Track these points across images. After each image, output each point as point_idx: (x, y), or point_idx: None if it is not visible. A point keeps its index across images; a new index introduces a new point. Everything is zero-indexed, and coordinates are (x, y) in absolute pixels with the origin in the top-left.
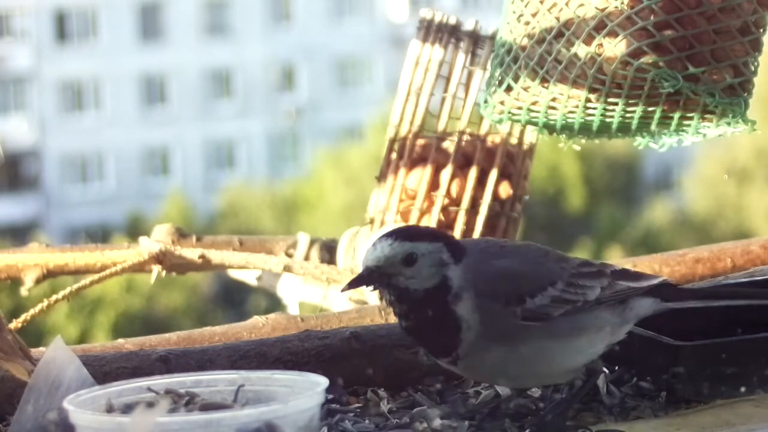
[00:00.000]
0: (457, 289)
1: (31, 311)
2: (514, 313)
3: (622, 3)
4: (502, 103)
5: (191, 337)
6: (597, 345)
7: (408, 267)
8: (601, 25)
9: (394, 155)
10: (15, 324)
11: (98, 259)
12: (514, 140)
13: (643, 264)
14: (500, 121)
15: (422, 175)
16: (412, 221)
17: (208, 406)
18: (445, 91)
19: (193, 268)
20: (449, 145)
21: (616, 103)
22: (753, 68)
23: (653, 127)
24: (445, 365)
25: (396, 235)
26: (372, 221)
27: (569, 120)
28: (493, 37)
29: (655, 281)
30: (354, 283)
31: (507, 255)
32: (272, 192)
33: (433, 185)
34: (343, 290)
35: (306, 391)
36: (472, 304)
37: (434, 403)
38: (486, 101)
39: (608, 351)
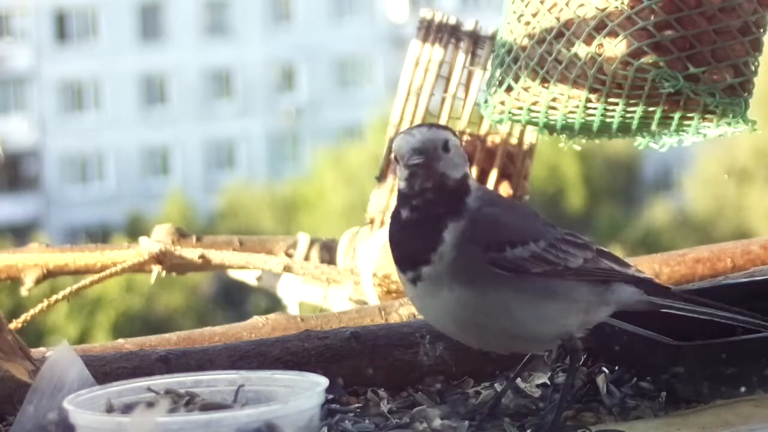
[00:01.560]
0: (464, 216)
1: (31, 311)
2: (492, 259)
3: (623, 3)
4: (502, 103)
5: (191, 337)
6: (569, 317)
7: (446, 153)
8: (602, 26)
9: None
10: (15, 324)
11: (98, 259)
12: (514, 140)
13: (643, 264)
14: (500, 121)
15: None
16: None
17: (208, 406)
18: (445, 91)
19: (193, 268)
20: None
21: (617, 103)
22: (753, 68)
23: (654, 127)
24: (405, 285)
25: (427, 126)
26: (372, 221)
27: (570, 120)
28: (493, 37)
29: (641, 274)
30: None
31: (500, 204)
32: (272, 192)
33: None
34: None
35: (306, 391)
36: (456, 240)
37: (434, 403)
38: (486, 101)
39: (608, 351)
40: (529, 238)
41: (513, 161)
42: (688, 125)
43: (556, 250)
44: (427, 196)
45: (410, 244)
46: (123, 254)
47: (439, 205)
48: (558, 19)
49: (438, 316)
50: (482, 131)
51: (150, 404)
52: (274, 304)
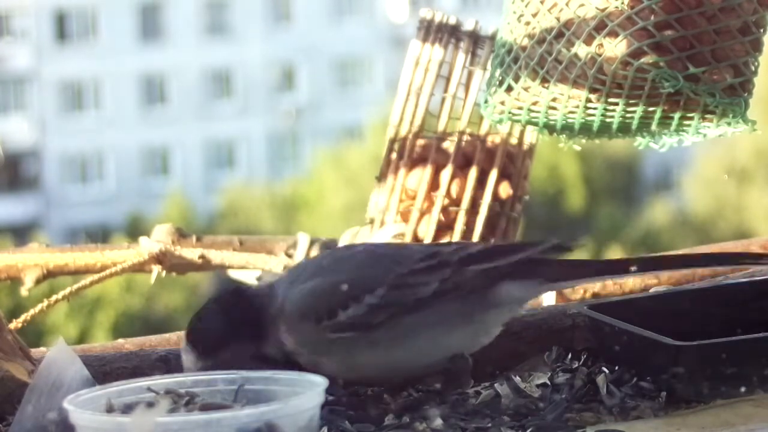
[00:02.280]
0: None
1: (31, 311)
2: (328, 328)
3: (623, 3)
4: (502, 103)
5: None
6: (452, 337)
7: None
8: (602, 26)
9: (394, 155)
10: (15, 324)
11: (98, 259)
12: (514, 140)
13: None
14: (500, 121)
15: (422, 175)
16: (412, 221)
17: (208, 406)
18: (445, 91)
19: (193, 268)
20: (449, 145)
21: (617, 103)
22: (753, 68)
23: (654, 127)
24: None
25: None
26: (372, 221)
27: (570, 120)
28: (493, 37)
29: (525, 253)
30: None
31: (320, 273)
32: (272, 192)
33: (433, 185)
34: None
35: (306, 391)
36: (286, 328)
37: (434, 403)
38: (486, 101)
39: (608, 351)
40: (361, 293)
41: (513, 161)
42: (688, 125)
43: (401, 289)
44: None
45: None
46: (123, 254)
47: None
48: (558, 19)
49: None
50: (482, 131)
51: (150, 404)
52: None
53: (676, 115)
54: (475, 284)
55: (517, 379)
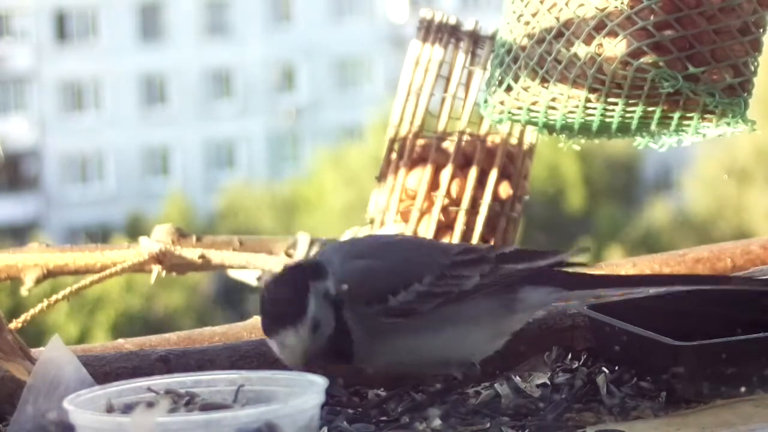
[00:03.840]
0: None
1: (31, 311)
2: (378, 312)
3: (622, 3)
4: (502, 103)
5: (191, 337)
6: (477, 337)
7: (318, 331)
8: (601, 25)
9: (394, 155)
10: (15, 324)
11: (98, 259)
12: (514, 140)
13: (643, 264)
14: (500, 121)
15: (422, 175)
16: (412, 221)
17: (208, 406)
18: (445, 91)
19: (193, 268)
20: (449, 145)
21: (616, 103)
22: (753, 68)
23: (653, 127)
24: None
25: (287, 320)
26: (372, 221)
27: (569, 120)
28: (493, 37)
29: (552, 259)
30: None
31: (372, 253)
32: (272, 192)
33: (433, 185)
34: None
35: (306, 391)
36: (352, 314)
37: (434, 403)
38: (486, 101)
39: (608, 351)
40: (412, 280)
41: (513, 161)
42: (688, 125)
43: (446, 279)
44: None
45: (336, 357)
46: (123, 254)
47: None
48: (557, 18)
49: (373, 367)
50: (482, 131)
51: (150, 404)
52: None
53: (676, 115)
54: (509, 283)
55: (517, 379)
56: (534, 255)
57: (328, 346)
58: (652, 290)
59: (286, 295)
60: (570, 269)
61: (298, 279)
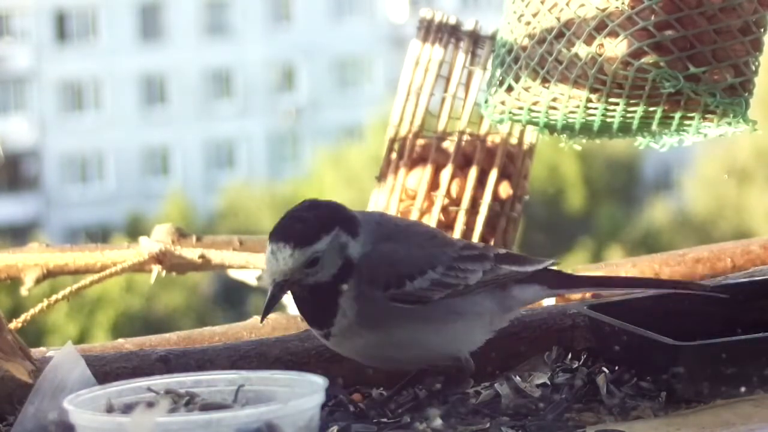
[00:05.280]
0: (356, 265)
1: (31, 311)
2: (392, 297)
3: (623, 3)
4: (502, 103)
5: (191, 337)
6: (475, 332)
7: (313, 267)
8: (602, 26)
9: (394, 155)
10: (15, 324)
11: (98, 259)
12: (514, 140)
13: (643, 264)
14: (501, 121)
15: (422, 175)
16: None
17: (208, 406)
18: (445, 91)
19: (193, 268)
20: (449, 145)
21: (617, 103)
22: (754, 68)
23: (654, 127)
24: (319, 338)
25: (292, 239)
26: None
27: (570, 120)
28: (493, 37)
29: (540, 265)
30: (269, 307)
31: (395, 237)
32: (272, 192)
33: (433, 185)
34: (262, 320)
35: (306, 391)
36: (355, 293)
37: (434, 403)
38: (486, 101)
39: (608, 351)
40: (427, 267)
41: (513, 161)
42: (689, 125)
43: (455, 271)
44: (306, 295)
45: (311, 313)
46: (123, 254)
47: (322, 292)
48: (558, 19)
49: (349, 353)
50: (482, 131)
51: (150, 404)
52: None
53: (677, 115)
54: (504, 283)
55: (517, 379)
56: (523, 260)
57: (311, 298)
58: (620, 291)
59: (309, 219)
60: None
61: (328, 214)
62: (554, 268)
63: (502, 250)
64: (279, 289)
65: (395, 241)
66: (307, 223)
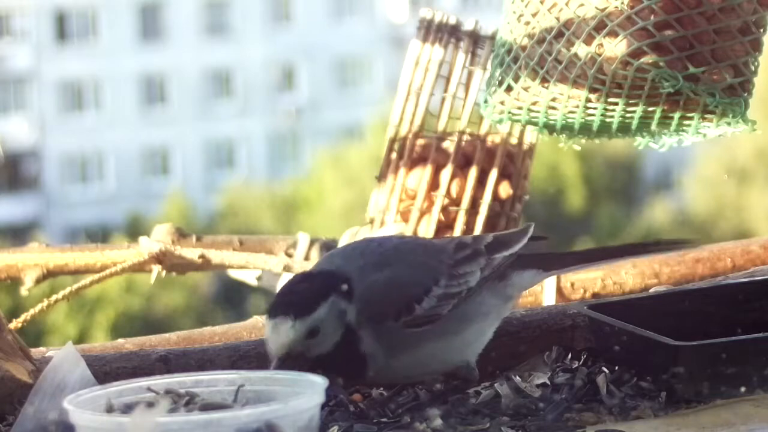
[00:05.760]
0: (356, 327)
1: (31, 311)
2: (406, 324)
3: (623, 3)
4: (502, 103)
5: (191, 337)
6: (485, 332)
7: (314, 338)
8: (602, 25)
9: (394, 155)
10: (15, 324)
11: (98, 259)
12: (514, 140)
13: (643, 264)
14: (500, 121)
15: (422, 175)
16: (412, 221)
17: (208, 406)
18: (445, 91)
19: (193, 268)
20: (449, 145)
21: (617, 103)
22: (753, 68)
23: (653, 127)
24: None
25: (292, 310)
26: (372, 221)
27: (569, 120)
28: (493, 37)
29: (525, 237)
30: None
31: (387, 262)
32: (272, 192)
33: (433, 185)
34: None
35: (306, 391)
36: (373, 334)
37: (434, 403)
38: (486, 101)
39: (608, 351)
40: (430, 283)
41: (513, 161)
42: (688, 125)
43: (456, 279)
44: (316, 365)
45: (342, 372)
46: (123, 254)
47: (334, 356)
48: (558, 18)
49: (383, 382)
50: (482, 131)
51: (150, 404)
52: None
53: (676, 115)
54: (500, 272)
55: (517, 379)
56: (509, 238)
57: (331, 362)
58: (604, 263)
59: (304, 291)
60: (542, 251)
61: (323, 284)
62: (543, 252)
63: (489, 237)
64: (281, 364)
65: (389, 266)
66: (303, 295)
